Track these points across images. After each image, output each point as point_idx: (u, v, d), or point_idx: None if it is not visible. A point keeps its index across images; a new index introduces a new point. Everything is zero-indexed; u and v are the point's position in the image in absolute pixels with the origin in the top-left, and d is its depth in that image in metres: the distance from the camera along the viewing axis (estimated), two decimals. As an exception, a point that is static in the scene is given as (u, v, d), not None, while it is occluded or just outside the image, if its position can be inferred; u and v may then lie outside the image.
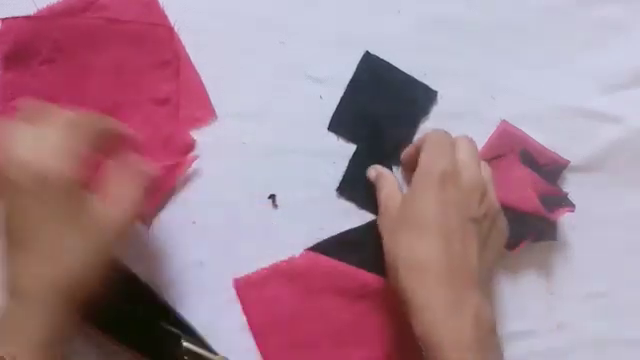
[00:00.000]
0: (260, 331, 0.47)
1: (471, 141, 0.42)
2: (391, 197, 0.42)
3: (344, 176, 0.47)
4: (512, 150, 0.48)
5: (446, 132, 0.42)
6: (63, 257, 0.33)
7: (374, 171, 0.45)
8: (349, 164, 0.47)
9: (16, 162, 0.32)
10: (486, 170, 0.42)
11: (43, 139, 0.33)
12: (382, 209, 0.43)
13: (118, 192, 0.36)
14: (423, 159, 0.40)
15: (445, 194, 0.38)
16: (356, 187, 0.47)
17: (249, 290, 0.47)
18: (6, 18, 0.46)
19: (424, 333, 0.36)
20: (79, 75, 0.46)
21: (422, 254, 0.37)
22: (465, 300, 0.36)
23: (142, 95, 0.46)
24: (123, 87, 0.46)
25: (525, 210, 0.46)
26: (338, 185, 0.47)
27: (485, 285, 0.38)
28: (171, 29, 0.47)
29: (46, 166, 0.32)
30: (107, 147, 0.37)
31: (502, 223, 0.42)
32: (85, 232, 0.34)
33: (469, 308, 0.36)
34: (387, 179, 0.43)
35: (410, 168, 0.42)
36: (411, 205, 0.39)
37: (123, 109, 0.46)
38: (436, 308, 0.36)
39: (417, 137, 0.48)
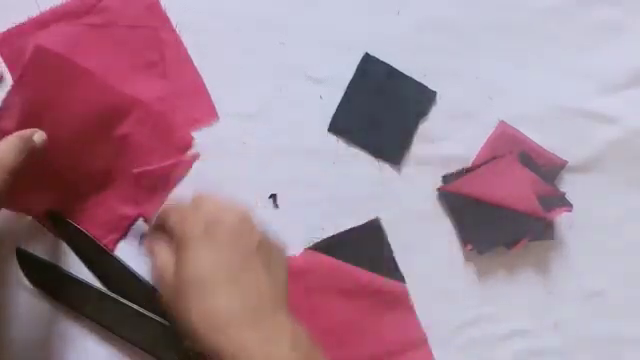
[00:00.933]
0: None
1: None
2: (165, 267, 0.38)
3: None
4: (511, 151, 0.48)
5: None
6: None
7: (148, 243, 0.41)
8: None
9: None
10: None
11: None
12: (158, 281, 0.38)
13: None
14: (176, 224, 0.37)
15: (215, 241, 0.36)
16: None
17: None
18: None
19: None
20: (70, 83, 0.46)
21: (220, 310, 0.35)
22: (277, 332, 0.35)
23: (135, 96, 0.46)
24: (114, 91, 0.46)
25: (523, 210, 0.46)
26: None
27: (285, 301, 0.37)
28: (155, 29, 0.47)
29: None
30: None
31: (271, 236, 0.39)
32: None
33: (284, 338, 0.35)
34: (159, 252, 0.39)
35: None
36: (186, 268, 0.36)
37: (117, 112, 0.46)
38: (252, 351, 0.34)
39: (416, 137, 0.48)
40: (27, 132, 0.39)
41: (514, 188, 0.47)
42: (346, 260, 0.47)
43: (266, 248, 0.38)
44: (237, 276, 0.36)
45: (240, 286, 0.36)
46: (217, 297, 0.35)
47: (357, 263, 0.47)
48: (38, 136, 0.40)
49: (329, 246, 0.47)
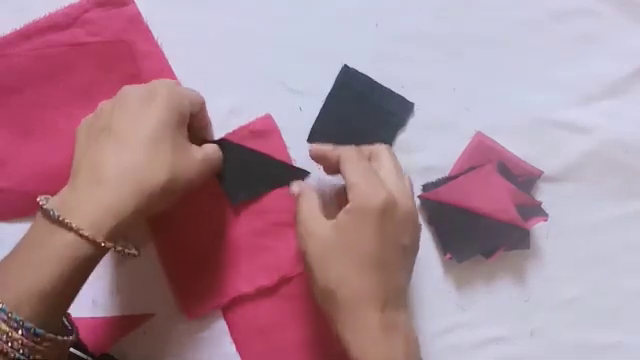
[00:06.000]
0: (241, 338, 0.48)
1: (391, 154, 0.42)
2: (313, 218, 0.40)
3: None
4: (490, 161, 0.48)
5: (359, 151, 0.42)
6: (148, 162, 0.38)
7: (297, 187, 0.43)
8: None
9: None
10: (407, 182, 0.42)
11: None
12: (303, 231, 0.40)
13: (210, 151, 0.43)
14: (357, 193, 0.39)
15: (383, 228, 0.38)
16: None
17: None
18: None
19: (361, 354, 0.37)
20: (49, 103, 0.47)
21: (358, 286, 0.38)
22: (397, 323, 0.38)
23: None
24: (94, 108, 0.46)
25: (502, 220, 0.47)
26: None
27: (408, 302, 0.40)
28: (129, 44, 0.47)
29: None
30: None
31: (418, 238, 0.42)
32: (175, 153, 0.39)
33: (400, 330, 0.38)
34: (309, 199, 0.41)
35: (328, 168, 0.43)
36: (347, 236, 0.38)
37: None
38: (371, 331, 0.37)
39: (394, 148, 0.49)
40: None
41: (493, 197, 0.47)
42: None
43: (413, 247, 0.41)
44: (387, 266, 0.39)
45: (386, 276, 0.38)
46: (364, 277, 0.38)
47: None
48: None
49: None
